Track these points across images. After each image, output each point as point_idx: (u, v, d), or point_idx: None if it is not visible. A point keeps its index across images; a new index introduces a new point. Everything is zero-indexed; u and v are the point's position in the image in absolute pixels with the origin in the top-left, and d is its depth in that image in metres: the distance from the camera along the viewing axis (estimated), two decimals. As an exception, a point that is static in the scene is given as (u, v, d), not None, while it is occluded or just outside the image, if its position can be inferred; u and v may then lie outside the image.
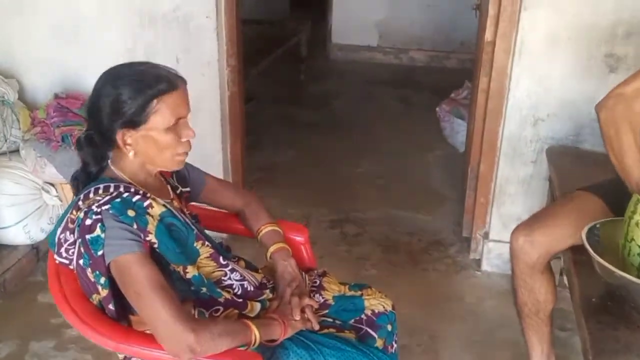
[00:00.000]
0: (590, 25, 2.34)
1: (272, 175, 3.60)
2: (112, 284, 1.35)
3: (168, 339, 1.30)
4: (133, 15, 2.65)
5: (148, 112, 1.33)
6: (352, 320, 1.61)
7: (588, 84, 2.42)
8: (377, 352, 1.54)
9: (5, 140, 2.67)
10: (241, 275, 1.53)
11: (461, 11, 4.49)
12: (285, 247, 1.66)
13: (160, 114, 1.34)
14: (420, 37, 5.54)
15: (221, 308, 1.48)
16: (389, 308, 1.70)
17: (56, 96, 2.71)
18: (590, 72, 2.41)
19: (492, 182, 2.71)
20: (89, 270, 1.36)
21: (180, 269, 1.41)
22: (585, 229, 1.59)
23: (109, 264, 1.32)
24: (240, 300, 1.51)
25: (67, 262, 1.43)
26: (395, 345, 1.67)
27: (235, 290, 1.51)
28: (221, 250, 1.55)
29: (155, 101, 1.33)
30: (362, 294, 1.70)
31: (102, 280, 1.35)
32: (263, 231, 1.68)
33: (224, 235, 2.43)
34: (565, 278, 2.01)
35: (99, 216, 1.31)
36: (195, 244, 1.45)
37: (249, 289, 1.53)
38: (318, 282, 1.71)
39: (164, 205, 1.41)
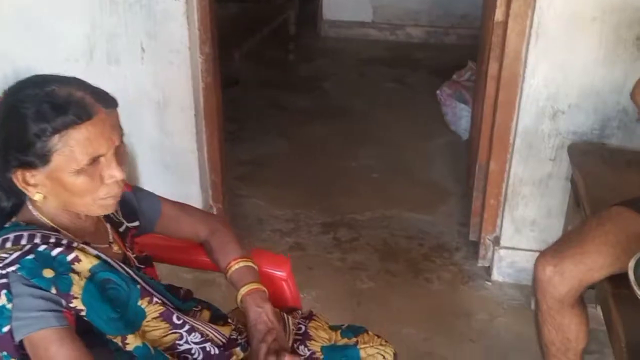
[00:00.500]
0: (620, 3, 2.00)
1: (257, 170, 3.26)
2: None
3: None
4: (91, -2, 2.30)
5: (48, 150, 1.00)
6: (346, 378, 1.31)
7: (616, 70, 2.09)
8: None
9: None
10: (202, 336, 1.21)
11: (462, -18, 4.13)
12: (259, 289, 1.34)
13: (65, 154, 1.01)
14: (416, 12, 5.16)
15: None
16: (390, 358, 1.40)
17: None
18: (618, 58, 2.08)
19: (504, 182, 2.39)
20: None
21: (118, 339, 1.09)
22: (633, 261, 1.28)
23: (20, 341, 1.00)
24: (202, 368, 1.20)
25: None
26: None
27: (195, 356, 1.19)
28: (176, 303, 1.23)
29: (56, 137, 1.00)
30: (357, 342, 1.40)
31: None
32: (233, 268, 1.36)
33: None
34: (599, 310, 1.70)
35: (5, 280, 1.00)
36: (139, 303, 1.14)
37: (212, 352, 1.22)
38: (303, 328, 1.40)
39: (96, 257, 1.09)
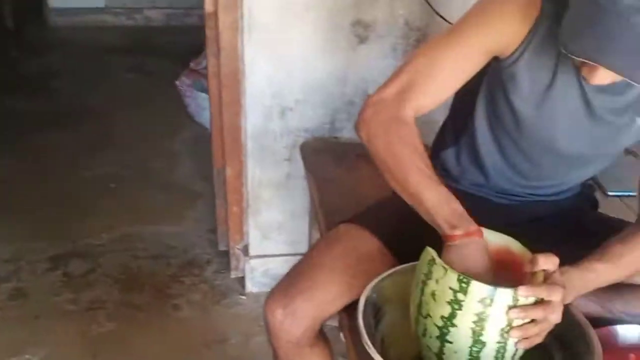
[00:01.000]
0: (331, -12, 1.87)
1: (-32, 199, 2.73)
2: None
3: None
4: None
5: None
6: None
7: (336, 60, 1.96)
8: None
9: None
10: None
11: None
12: None
13: None
14: (154, -8, 4.78)
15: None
16: None
17: None
18: (337, 47, 1.95)
19: (243, 187, 2.18)
20: None
21: None
22: (365, 292, 1.15)
23: None
24: None
25: None
26: None
27: None
28: None
29: None
30: None
31: None
32: None
33: None
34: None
35: None
36: None
37: None
38: None
39: None
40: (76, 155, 3.11)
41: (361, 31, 1.94)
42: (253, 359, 2.04)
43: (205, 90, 3.28)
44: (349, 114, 2.02)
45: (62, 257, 2.42)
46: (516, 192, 1.39)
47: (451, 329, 0.99)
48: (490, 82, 1.24)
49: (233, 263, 2.35)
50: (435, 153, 1.45)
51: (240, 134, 2.07)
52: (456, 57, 1.16)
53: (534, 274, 1.02)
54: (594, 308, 1.30)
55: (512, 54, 1.15)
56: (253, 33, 1.88)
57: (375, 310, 1.16)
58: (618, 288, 1.28)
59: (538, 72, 1.16)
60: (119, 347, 2.03)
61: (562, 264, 1.32)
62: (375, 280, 1.17)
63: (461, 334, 0.99)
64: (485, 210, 1.39)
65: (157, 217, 2.66)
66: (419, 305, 1.05)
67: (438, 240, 1.08)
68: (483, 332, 0.98)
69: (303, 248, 2.23)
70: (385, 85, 1.20)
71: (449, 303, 0.98)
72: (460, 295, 0.97)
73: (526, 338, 0.99)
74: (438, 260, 1.01)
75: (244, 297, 2.29)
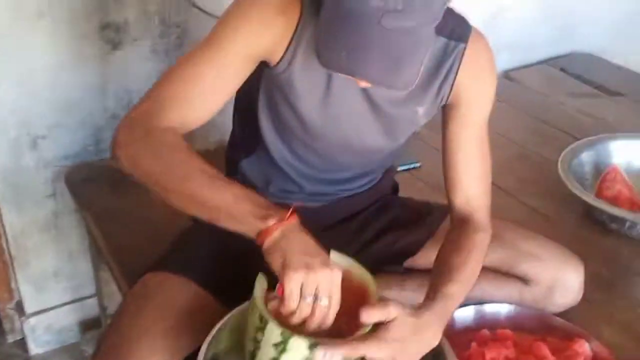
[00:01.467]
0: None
1: None
2: None
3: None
4: None
5: None
6: None
7: (89, 71, 1.69)
8: None
9: None
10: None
11: None
12: None
13: None
14: None
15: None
16: None
17: None
18: (86, 55, 1.67)
19: (2, 239, 1.81)
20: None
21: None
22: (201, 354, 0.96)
23: None
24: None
25: None
26: None
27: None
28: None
29: None
30: None
31: None
32: None
33: None
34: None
35: None
36: None
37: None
38: None
39: None
40: None
41: (113, 35, 1.68)
42: None
43: None
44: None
45: None
46: (326, 192, 1.29)
47: None
48: (267, 89, 1.12)
49: (7, 326, 1.97)
50: (232, 166, 1.29)
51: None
52: (218, 66, 1.02)
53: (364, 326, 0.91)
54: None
55: (282, 60, 1.03)
56: None
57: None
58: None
59: (314, 75, 1.06)
60: None
61: (386, 254, 1.30)
62: (209, 338, 0.99)
63: None
64: (299, 217, 1.29)
65: None
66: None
67: (261, 265, 0.92)
68: None
69: (90, 290, 1.95)
70: (137, 104, 1.02)
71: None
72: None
73: None
74: (256, 295, 0.89)
75: (29, 361, 1.93)
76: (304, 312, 0.87)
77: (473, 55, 1.10)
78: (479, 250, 1.12)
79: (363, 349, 0.88)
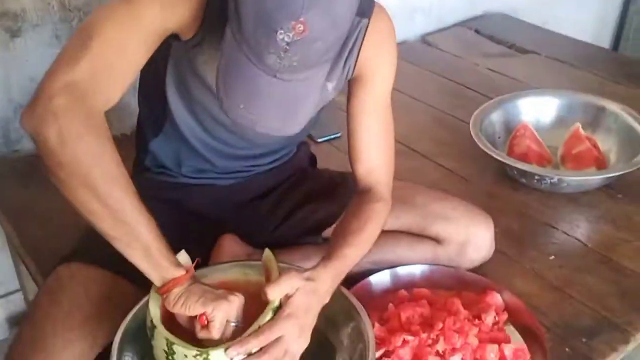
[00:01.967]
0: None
1: None
2: None
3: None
4: None
5: None
6: None
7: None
8: None
9: None
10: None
11: None
12: None
13: None
14: None
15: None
16: None
17: None
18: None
19: None
20: None
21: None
22: (115, 343, 0.96)
23: None
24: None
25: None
26: None
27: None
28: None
29: None
30: None
31: None
32: None
33: None
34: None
35: None
36: None
37: None
38: None
39: None
40: None
41: (11, 24, 1.62)
42: None
43: None
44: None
45: None
46: (239, 169, 1.30)
47: None
48: (177, 62, 1.09)
49: None
50: (142, 148, 1.27)
51: None
52: (137, 35, 0.94)
53: (270, 303, 0.94)
54: (344, 268, 1.29)
55: (196, 34, 1.00)
56: None
57: (139, 347, 1.01)
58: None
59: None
60: None
61: (304, 226, 1.31)
62: (125, 323, 1.00)
63: None
64: (212, 196, 1.29)
65: None
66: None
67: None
68: None
69: (13, 285, 1.90)
70: (71, 58, 0.87)
71: None
72: (171, 358, 0.90)
73: None
74: (155, 320, 0.93)
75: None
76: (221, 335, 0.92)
77: (375, 29, 1.11)
78: (377, 219, 1.15)
79: (277, 331, 0.91)
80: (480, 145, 1.69)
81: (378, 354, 1.11)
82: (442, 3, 2.56)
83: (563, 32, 2.62)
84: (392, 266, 1.30)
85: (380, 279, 1.29)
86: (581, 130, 1.77)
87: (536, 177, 1.63)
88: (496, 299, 1.24)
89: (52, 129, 0.81)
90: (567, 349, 1.20)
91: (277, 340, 0.91)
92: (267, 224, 1.34)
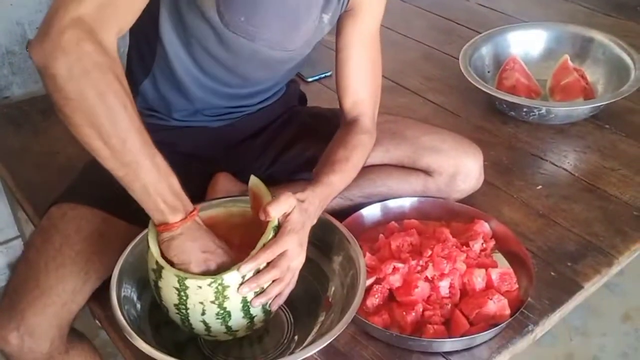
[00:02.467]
0: None
1: None
2: None
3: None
4: None
5: None
6: None
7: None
8: None
9: None
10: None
11: None
12: None
13: None
14: None
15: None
16: None
17: None
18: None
19: None
20: None
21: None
22: (115, 274, 1.01)
23: None
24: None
25: None
26: None
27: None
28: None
29: None
30: None
31: None
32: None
33: None
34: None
35: None
36: None
37: None
38: None
39: None
40: None
41: (-9, -34, 1.60)
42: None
43: None
44: (12, 66, 1.70)
45: None
46: (229, 111, 1.30)
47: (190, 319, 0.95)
48: None
49: None
50: (133, 91, 1.27)
51: None
52: None
53: (269, 222, 0.97)
54: (336, 201, 1.31)
55: None
56: None
57: (135, 279, 1.05)
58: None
59: None
60: None
61: (296, 163, 1.34)
62: (125, 253, 1.04)
63: (211, 324, 0.95)
64: (204, 138, 1.30)
65: None
66: (159, 299, 0.97)
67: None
68: (229, 319, 0.94)
69: (12, 232, 1.93)
70: (67, 6, 0.83)
71: (178, 305, 0.93)
72: (183, 294, 0.92)
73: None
74: (162, 263, 0.93)
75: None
76: None
77: None
78: (362, 149, 1.19)
79: (282, 246, 0.95)
80: (469, 79, 1.70)
81: (369, 281, 1.15)
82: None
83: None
84: (384, 199, 1.33)
85: (371, 212, 1.32)
86: (569, 62, 1.78)
87: (524, 110, 1.64)
88: (484, 227, 1.27)
89: (61, 64, 0.80)
90: (552, 273, 1.24)
91: (282, 255, 0.95)
92: (259, 162, 1.36)
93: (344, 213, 1.28)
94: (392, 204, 1.33)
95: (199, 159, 1.31)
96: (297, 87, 1.48)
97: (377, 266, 1.18)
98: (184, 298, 0.92)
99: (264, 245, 0.95)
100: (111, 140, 0.84)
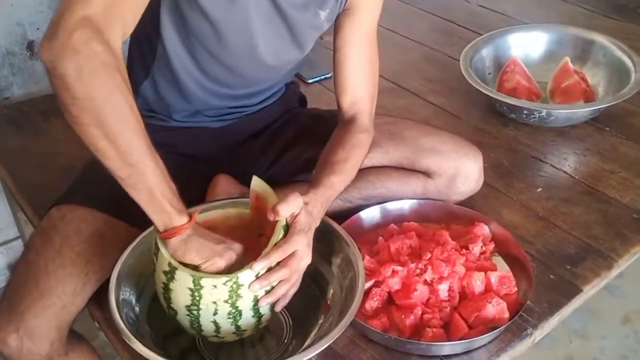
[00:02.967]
0: None
1: None
2: None
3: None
4: None
5: None
6: None
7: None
8: None
9: None
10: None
11: None
12: None
13: None
14: None
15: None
16: None
17: None
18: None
19: None
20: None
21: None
22: (114, 276, 1.00)
23: None
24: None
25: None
26: None
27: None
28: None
29: None
30: None
31: None
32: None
33: None
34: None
35: None
36: None
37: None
38: None
39: None
40: None
41: (-7, -32, 1.60)
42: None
43: None
44: (12, 66, 1.70)
45: None
46: (229, 111, 1.31)
47: (200, 320, 0.95)
48: None
49: None
50: (133, 92, 1.27)
51: None
52: None
53: (278, 222, 0.98)
54: (335, 204, 1.31)
55: None
56: None
57: (134, 281, 1.05)
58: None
59: None
60: None
61: (296, 165, 1.34)
62: (124, 255, 1.04)
63: (221, 324, 0.95)
64: (204, 139, 1.31)
65: None
66: (168, 306, 0.97)
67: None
68: (239, 318, 0.95)
69: (12, 233, 1.93)
70: (73, 6, 0.83)
71: (190, 306, 0.93)
72: (197, 294, 0.92)
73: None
74: (175, 264, 0.93)
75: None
76: None
77: None
78: (361, 148, 1.19)
79: (293, 245, 0.95)
80: (470, 81, 1.69)
81: (369, 284, 1.15)
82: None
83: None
84: (383, 201, 1.33)
85: (370, 214, 1.31)
86: (570, 64, 1.78)
87: (525, 112, 1.64)
88: (483, 230, 1.27)
89: (70, 63, 0.81)
90: (551, 276, 1.24)
91: (292, 254, 0.96)
92: (259, 164, 1.36)
93: (343, 215, 1.28)
94: (391, 206, 1.33)
95: (198, 160, 1.31)
96: (297, 89, 1.48)
97: (376, 269, 1.18)
98: (197, 298, 0.91)
99: (275, 244, 0.95)
100: (117, 140, 0.84)
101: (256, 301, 0.94)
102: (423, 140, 1.34)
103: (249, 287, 0.92)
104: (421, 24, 2.25)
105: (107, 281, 1.02)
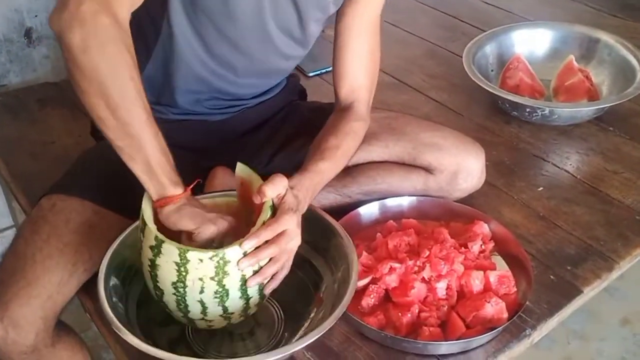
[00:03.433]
0: None
1: None
2: None
3: None
4: None
5: None
6: None
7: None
8: None
9: None
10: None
11: None
12: None
13: None
14: None
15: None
16: None
17: None
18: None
19: None
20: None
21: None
22: (103, 266, 0.98)
23: None
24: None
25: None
26: None
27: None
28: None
29: None
30: None
31: None
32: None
33: None
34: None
35: None
36: None
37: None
38: None
39: None
40: None
41: (-9, -47, 1.58)
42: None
43: None
44: (9, 54, 1.68)
45: None
46: (229, 104, 1.29)
47: (187, 298, 0.93)
48: None
49: None
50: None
51: None
52: None
53: (264, 203, 0.96)
54: (334, 198, 1.30)
55: None
56: None
57: (124, 272, 1.03)
58: (349, 172, 1.29)
59: None
60: None
61: (296, 158, 1.31)
62: (114, 245, 1.02)
63: (208, 303, 0.93)
64: (203, 132, 1.29)
65: None
66: (155, 286, 0.95)
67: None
68: (226, 298, 0.92)
69: (6, 222, 1.91)
70: None
71: (176, 282, 0.91)
72: (183, 269, 0.90)
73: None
74: (162, 237, 0.91)
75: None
76: None
77: None
78: (354, 136, 1.18)
79: (282, 224, 0.94)
80: (473, 78, 1.67)
81: (366, 281, 1.13)
82: None
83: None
84: (383, 197, 1.31)
85: (369, 210, 1.30)
86: (574, 62, 1.75)
87: (527, 110, 1.62)
88: (483, 228, 1.25)
89: (77, 34, 0.84)
90: (551, 277, 1.22)
91: (281, 233, 0.94)
92: (259, 157, 1.34)
93: (342, 211, 1.26)
94: (391, 202, 1.31)
95: (198, 153, 1.30)
96: (297, 82, 1.46)
97: (373, 266, 1.16)
98: (184, 274, 0.90)
99: (264, 223, 0.93)
100: (118, 111, 0.86)
101: (244, 281, 0.92)
102: (424, 136, 1.32)
103: (237, 264, 0.90)
104: (424, 19, 2.22)
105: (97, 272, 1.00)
